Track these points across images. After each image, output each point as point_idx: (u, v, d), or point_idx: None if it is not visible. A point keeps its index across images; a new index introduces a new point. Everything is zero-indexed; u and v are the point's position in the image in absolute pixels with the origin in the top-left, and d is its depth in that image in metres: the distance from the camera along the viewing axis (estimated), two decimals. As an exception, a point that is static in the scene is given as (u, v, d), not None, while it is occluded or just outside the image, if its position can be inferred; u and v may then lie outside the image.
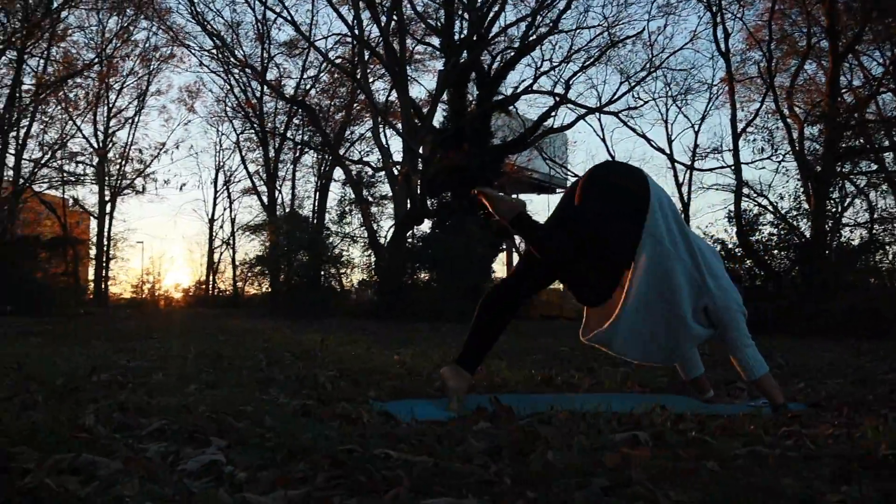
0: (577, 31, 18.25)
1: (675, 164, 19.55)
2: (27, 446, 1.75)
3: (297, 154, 26.33)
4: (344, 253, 18.18)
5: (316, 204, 25.81)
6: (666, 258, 2.60)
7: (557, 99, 18.02)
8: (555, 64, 18.30)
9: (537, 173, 27.11)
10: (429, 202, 17.59)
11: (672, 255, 2.61)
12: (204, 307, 28.07)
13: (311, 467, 1.57)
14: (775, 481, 1.41)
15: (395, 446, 1.72)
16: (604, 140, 22.66)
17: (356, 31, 17.38)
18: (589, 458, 1.57)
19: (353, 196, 19.85)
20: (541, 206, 27.94)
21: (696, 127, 20.18)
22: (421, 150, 16.12)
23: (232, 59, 20.61)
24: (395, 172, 16.49)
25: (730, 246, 14.15)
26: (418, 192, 15.07)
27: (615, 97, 19.27)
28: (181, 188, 38.86)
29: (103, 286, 27.00)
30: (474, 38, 17.79)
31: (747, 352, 2.63)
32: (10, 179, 21.93)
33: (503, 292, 2.81)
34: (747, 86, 18.28)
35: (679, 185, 19.00)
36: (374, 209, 21.22)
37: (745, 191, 14.68)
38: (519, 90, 18.73)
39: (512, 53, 18.28)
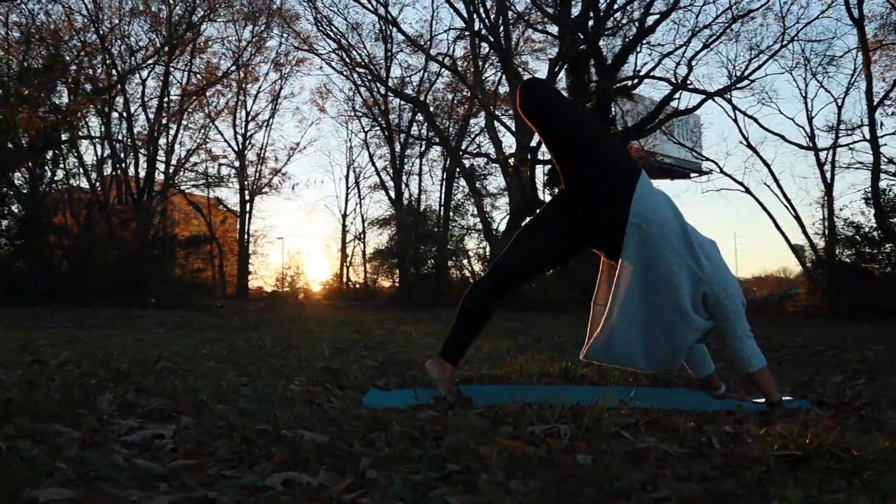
0: (702, 5, 17.48)
1: (815, 143, 18.35)
2: (28, 417, 2.05)
3: (424, 149, 26.92)
4: (461, 244, 18.51)
5: (442, 197, 26.38)
6: (655, 246, 2.48)
7: (676, 83, 17.34)
8: (679, 45, 17.67)
9: (668, 158, 26.23)
10: (546, 192, 17.60)
11: (660, 242, 2.48)
12: (339, 299, 29.36)
13: (227, 442, 1.73)
14: (615, 476, 1.41)
15: (316, 428, 1.86)
16: (735, 121, 21.59)
17: (471, 25, 17.58)
18: (466, 447, 1.62)
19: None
20: (676, 190, 26.92)
21: (840, 101, 18.61)
22: (535, 142, 16.11)
23: (353, 61, 21.40)
24: (510, 164, 16.59)
25: (866, 229, 13.17)
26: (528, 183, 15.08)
27: (744, 74, 18.26)
28: (293, 189, 40.20)
29: (245, 281, 28.78)
30: (590, 22, 17.57)
31: (746, 342, 2.50)
32: (160, 182, 23.96)
33: (492, 284, 2.73)
34: (889, 53, 16.80)
35: (821, 166, 17.71)
36: (488, 200, 21.41)
37: (885, 168, 13.60)
38: (642, 73, 18.27)
39: (631, 36, 17.84)
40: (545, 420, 2.00)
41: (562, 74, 18.38)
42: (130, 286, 13.90)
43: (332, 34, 20.49)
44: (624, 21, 18.24)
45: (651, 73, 18.09)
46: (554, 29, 19.08)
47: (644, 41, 17.69)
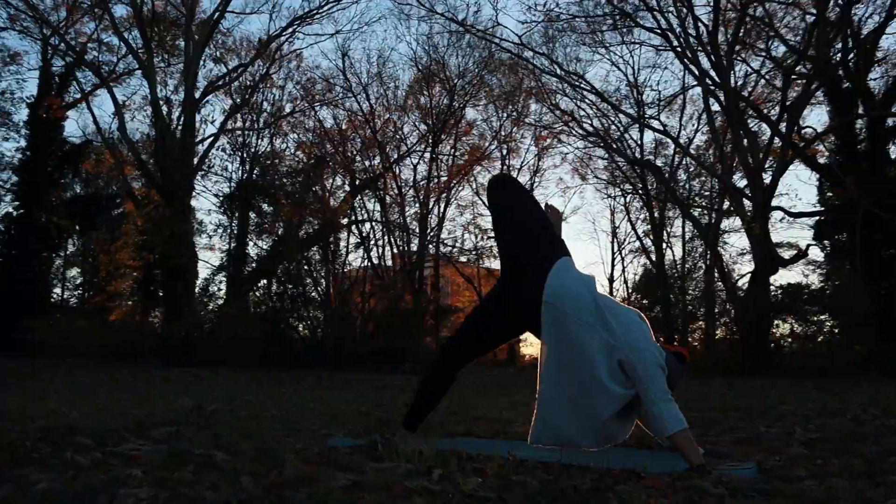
0: None
1: None
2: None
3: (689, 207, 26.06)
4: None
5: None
6: (568, 322, 2.61)
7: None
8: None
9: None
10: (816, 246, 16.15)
11: (572, 318, 2.61)
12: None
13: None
14: None
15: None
16: None
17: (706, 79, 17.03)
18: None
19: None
20: None
21: None
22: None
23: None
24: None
25: None
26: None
27: None
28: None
29: (517, 347, 29.69)
30: (853, 59, 16.08)
31: (660, 405, 2.47)
32: (432, 256, 26.09)
33: (440, 362, 3.08)
34: None
35: None
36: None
37: None
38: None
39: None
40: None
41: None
42: (393, 352, 15.43)
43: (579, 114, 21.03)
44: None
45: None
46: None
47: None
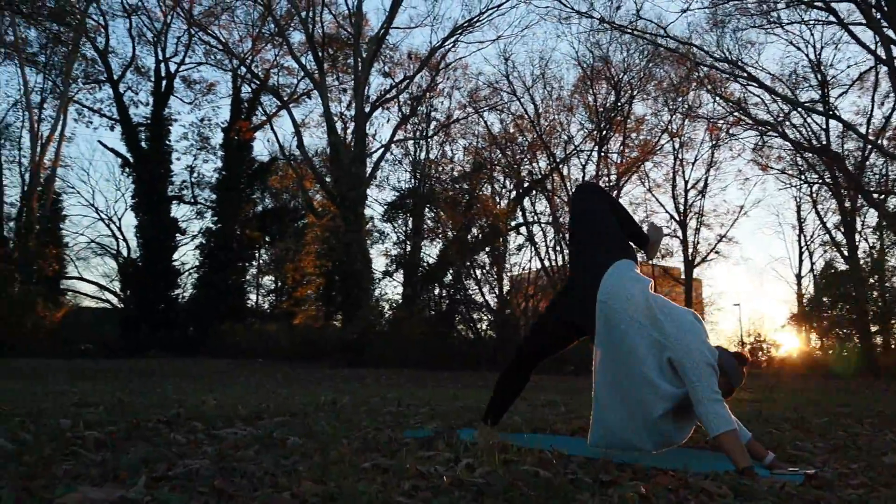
0: None
1: None
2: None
3: (883, 198, 23.65)
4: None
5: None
6: (619, 321, 2.60)
7: None
8: None
9: None
10: None
11: (623, 317, 2.60)
12: (806, 368, 26.79)
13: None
14: None
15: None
16: None
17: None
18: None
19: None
20: None
21: None
22: None
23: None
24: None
25: None
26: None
27: None
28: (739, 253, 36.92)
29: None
30: None
31: (708, 405, 2.40)
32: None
33: (515, 365, 3.10)
34: None
35: None
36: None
37: None
38: None
39: None
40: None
41: None
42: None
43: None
44: None
45: None
46: None
47: None
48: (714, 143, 27.64)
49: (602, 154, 25.40)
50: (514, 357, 3.18)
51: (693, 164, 29.09)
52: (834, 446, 3.09)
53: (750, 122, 21.50)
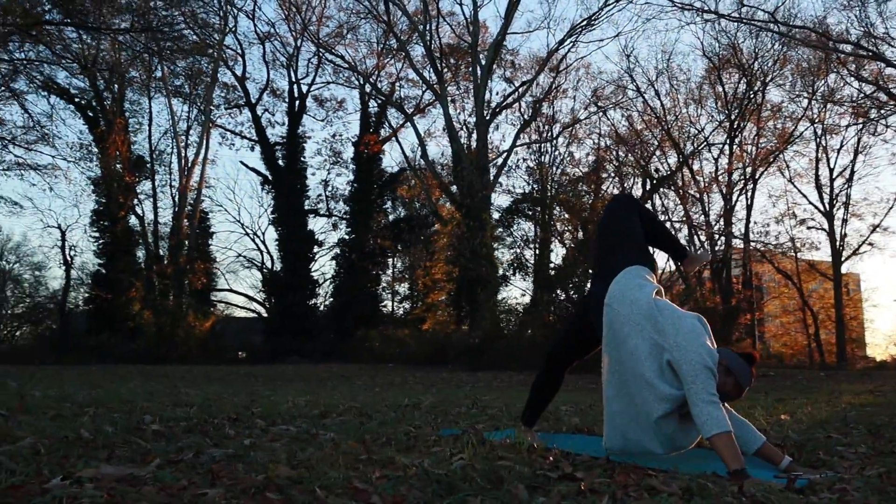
0: None
1: None
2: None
3: None
4: None
5: None
6: (622, 324, 2.68)
7: None
8: None
9: None
10: None
11: (626, 321, 2.67)
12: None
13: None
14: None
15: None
16: None
17: None
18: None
19: None
20: None
21: None
22: None
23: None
24: None
25: None
26: None
27: None
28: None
29: (843, 349, 26.54)
30: None
31: (703, 407, 2.43)
32: (738, 249, 24.52)
33: (551, 364, 3.21)
34: None
35: None
36: None
37: None
38: None
39: None
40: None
41: None
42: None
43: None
44: None
45: None
46: None
47: None
48: (862, 125, 25.75)
49: (735, 145, 24.35)
50: (546, 359, 3.31)
51: (839, 150, 27.19)
52: (875, 452, 2.95)
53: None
